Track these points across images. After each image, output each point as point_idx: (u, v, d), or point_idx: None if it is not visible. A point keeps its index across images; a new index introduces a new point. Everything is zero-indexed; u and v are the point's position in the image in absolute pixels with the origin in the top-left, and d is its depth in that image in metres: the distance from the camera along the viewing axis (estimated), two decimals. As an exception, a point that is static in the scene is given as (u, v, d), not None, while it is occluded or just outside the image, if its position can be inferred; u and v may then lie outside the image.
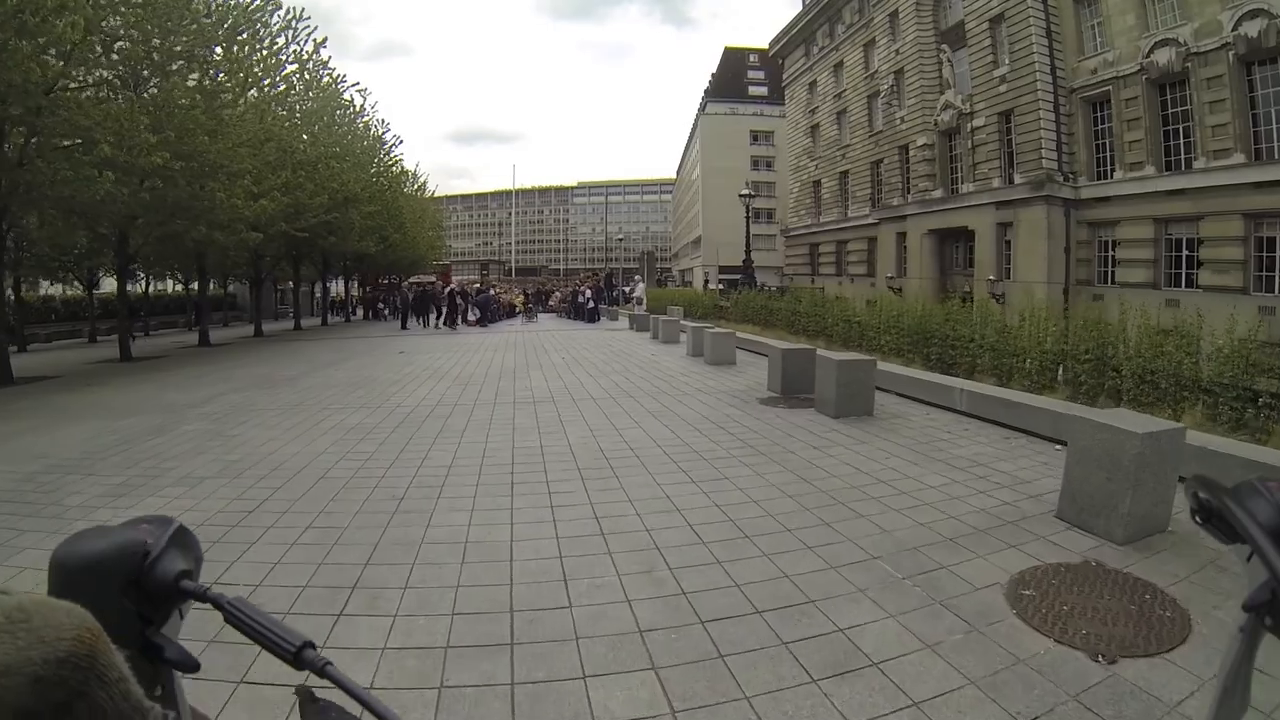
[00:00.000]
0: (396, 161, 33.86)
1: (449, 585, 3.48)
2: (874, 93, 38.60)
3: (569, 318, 32.35)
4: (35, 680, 0.43)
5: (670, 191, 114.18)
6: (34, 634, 0.45)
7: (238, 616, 0.67)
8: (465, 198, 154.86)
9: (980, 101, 30.33)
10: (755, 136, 69.32)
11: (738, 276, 32.49)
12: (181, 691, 0.71)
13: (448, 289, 29.21)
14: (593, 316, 29.99)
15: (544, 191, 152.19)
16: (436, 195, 55.04)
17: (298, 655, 0.64)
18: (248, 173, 16.49)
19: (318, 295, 38.70)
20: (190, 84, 14.56)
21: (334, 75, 24.96)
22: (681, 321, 18.54)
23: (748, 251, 26.58)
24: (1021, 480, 5.17)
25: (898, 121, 36.06)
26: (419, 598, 3.37)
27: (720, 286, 37.79)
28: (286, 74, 20.79)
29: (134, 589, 0.66)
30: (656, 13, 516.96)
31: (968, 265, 31.01)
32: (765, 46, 56.32)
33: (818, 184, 46.18)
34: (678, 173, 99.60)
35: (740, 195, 27.34)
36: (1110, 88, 24.61)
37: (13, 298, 23.52)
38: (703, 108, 75.25)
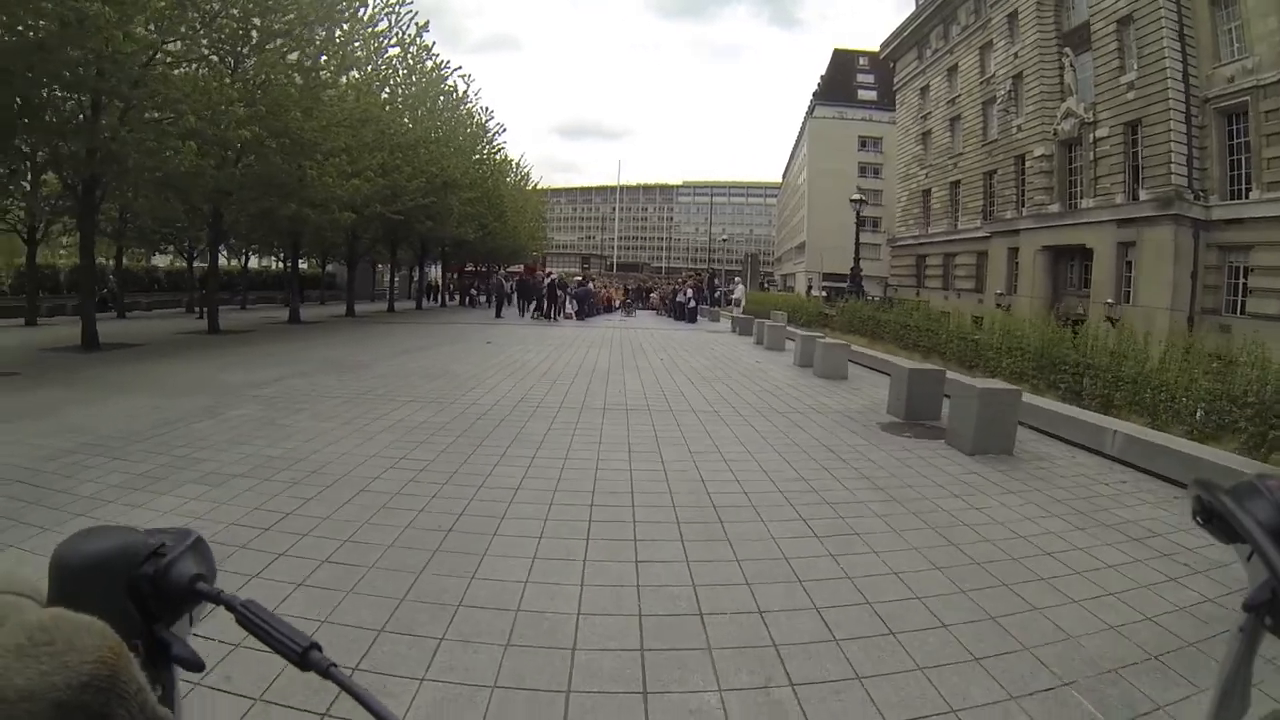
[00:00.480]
0: (499, 149, 33.76)
1: (482, 683, 2.49)
2: (990, 99, 36.47)
3: (669, 316, 31.99)
4: (57, 706, 0.43)
5: (775, 195, 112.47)
6: (57, 658, 0.44)
7: (248, 618, 0.65)
8: (569, 191, 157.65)
9: (1105, 110, 27.99)
10: (863, 142, 67.13)
11: (842, 284, 31.18)
12: (179, 694, 0.69)
13: (548, 280, 29.07)
14: (692, 316, 29.50)
15: (649, 189, 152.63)
16: (540, 187, 55.28)
17: (303, 656, 0.62)
18: (342, 151, 16.30)
19: (414, 279, 39.02)
20: (290, 60, 14.43)
21: (437, 61, 24.75)
22: (788, 328, 17.61)
23: (856, 259, 25.32)
24: (1214, 562, 3.87)
25: (1014, 130, 33.90)
26: (438, 699, 2.41)
27: (822, 294, 36.36)
28: (388, 58, 20.75)
29: (146, 583, 0.64)
30: (764, 13, 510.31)
31: (1083, 286, 28.99)
32: (876, 49, 54.41)
33: (927, 193, 44.20)
34: (783, 176, 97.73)
35: (851, 200, 26.04)
36: (1248, 98, 22.24)
37: (114, 266, 24.38)
38: (811, 110, 73.21)
